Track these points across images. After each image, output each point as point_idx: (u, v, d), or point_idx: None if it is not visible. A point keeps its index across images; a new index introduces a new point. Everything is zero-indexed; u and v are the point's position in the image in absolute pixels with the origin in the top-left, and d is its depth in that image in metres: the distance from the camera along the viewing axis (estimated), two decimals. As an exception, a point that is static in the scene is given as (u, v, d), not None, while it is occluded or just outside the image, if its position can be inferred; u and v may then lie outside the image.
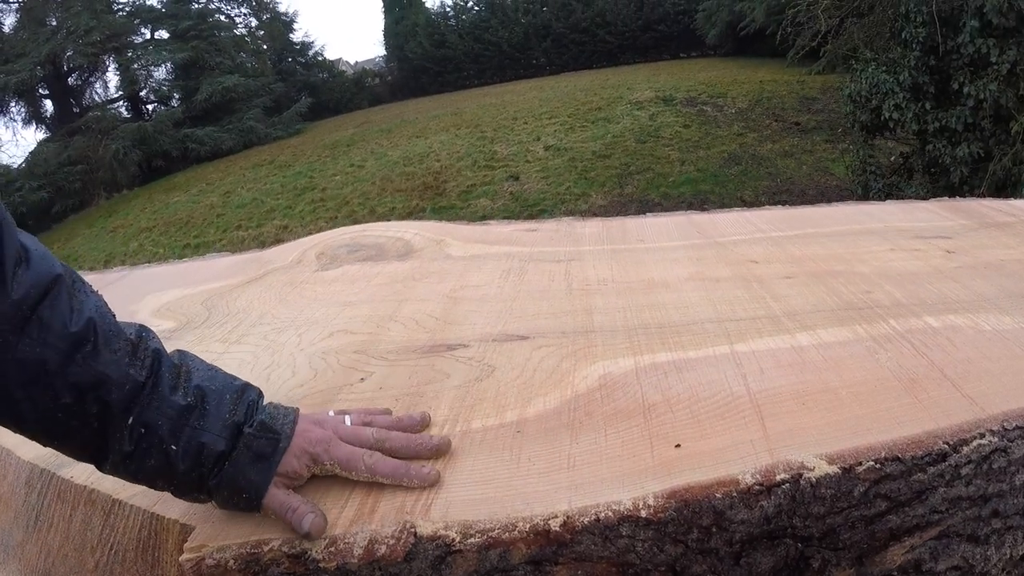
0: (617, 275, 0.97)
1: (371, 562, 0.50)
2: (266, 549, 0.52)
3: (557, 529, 0.50)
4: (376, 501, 0.55)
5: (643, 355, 0.73)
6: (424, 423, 0.64)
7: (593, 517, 0.50)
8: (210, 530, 0.55)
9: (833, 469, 0.54)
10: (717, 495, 0.52)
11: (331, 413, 0.63)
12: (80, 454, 0.55)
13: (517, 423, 0.63)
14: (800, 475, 0.54)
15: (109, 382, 0.52)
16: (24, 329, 0.49)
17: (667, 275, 0.96)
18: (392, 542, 0.50)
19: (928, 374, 0.66)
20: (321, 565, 0.50)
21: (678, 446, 0.57)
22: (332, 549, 0.51)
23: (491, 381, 0.71)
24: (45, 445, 0.54)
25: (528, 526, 0.50)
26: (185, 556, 0.53)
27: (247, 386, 0.59)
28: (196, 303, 1.04)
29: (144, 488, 0.60)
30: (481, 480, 0.56)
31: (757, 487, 0.53)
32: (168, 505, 0.59)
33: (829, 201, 1.36)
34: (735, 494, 0.52)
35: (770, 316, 0.81)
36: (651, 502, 0.51)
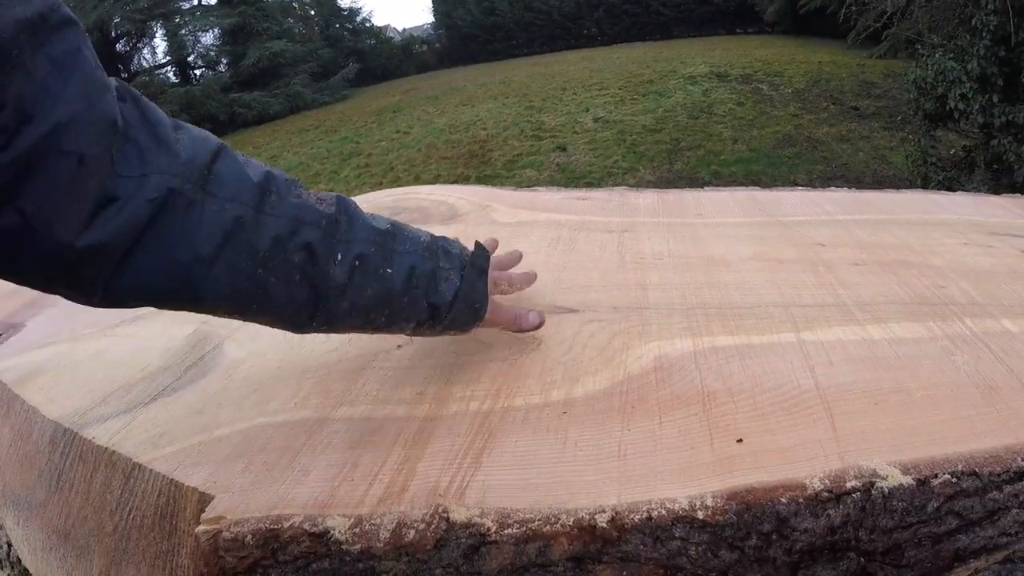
0: (674, 249, 0.91)
1: (398, 547, 0.46)
2: (286, 525, 0.48)
3: (604, 525, 0.45)
4: (407, 479, 0.51)
5: (702, 337, 0.67)
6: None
7: (645, 515, 0.45)
8: (229, 501, 0.52)
9: (907, 480, 0.48)
10: (782, 500, 0.46)
11: None
12: (281, 314, 0.53)
13: (564, 403, 0.58)
14: (872, 484, 0.48)
15: (305, 223, 0.51)
16: (206, 188, 0.47)
17: (728, 253, 0.89)
18: (422, 527, 0.46)
19: (1007, 382, 0.59)
20: (344, 547, 0.47)
21: (740, 441, 0.51)
22: (357, 530, 0.47)
23: (536, 355, 0.66)
24: (233, 316, 0.52)
25: (572, 519, 0.45)
26: (202, 528, 0.50)
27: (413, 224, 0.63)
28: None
29: (165, 453, 0.59)
30: (522, 463, 0.51)
31: (825, 494, 0.47)
32: (188, 472, 0.57)
33: (885, 190, 1.27)
34: (801, 500, 0.47)
35: (839, 304, 0.74)
36: (709, 502, 0.46)
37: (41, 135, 0.40)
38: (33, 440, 0.72)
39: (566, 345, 0.67)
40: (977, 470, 0.50)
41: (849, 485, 0.48)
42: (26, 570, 0.78)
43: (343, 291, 0.52)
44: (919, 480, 0.49)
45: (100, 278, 0.45)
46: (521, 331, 0.69)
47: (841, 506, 0.47)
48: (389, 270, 0.55)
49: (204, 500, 0.53)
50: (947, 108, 4.64)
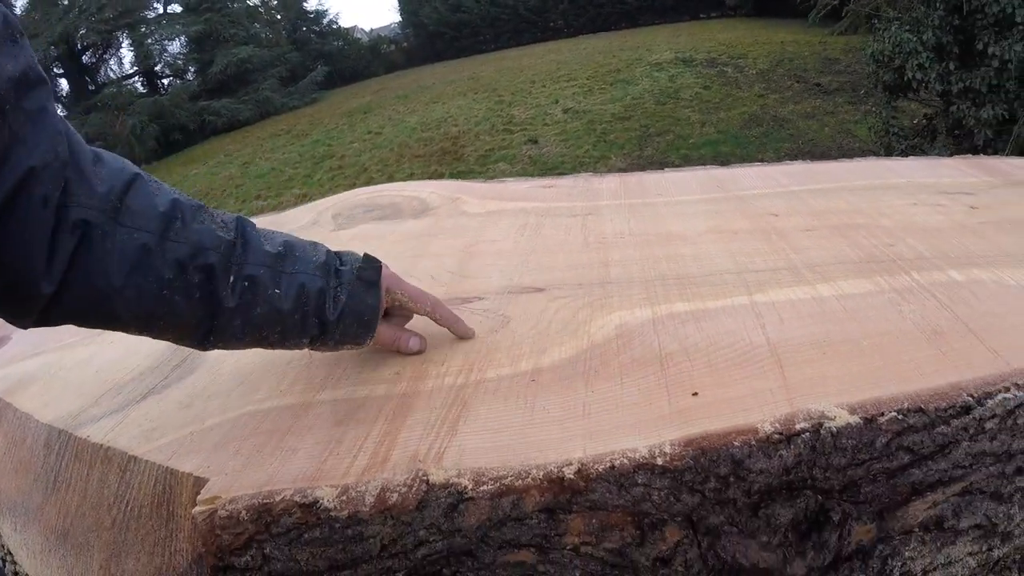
0: (635, 228, 0.95)
1: (383, 511, 0.49)
2: (277, 499, 0.51)
3: (571, 476, 0.49)
4: (389, 450, 0.54)
5: (660, 305, 0.71)
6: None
7: (608, 464, 0.49)
8: (223, 482, 0.55)
9: (855, 419, 0.52)
10: (735, 443, 0.50)
11: None
12: (183, 332, 0.57)
13: (532, 372, 0.62)
14: (821, 424, 0.52)
15: (205, 248, 0.55)
16: (118, 219, 0.52)
17: (685, 228, 0.93)
18: (404, 490, 0.50)
19: (952, 327, 0.64)
20: (332, 514, 0.50)
21: (695, 394, 0.56)
22: (344, 498, 0.51)
23: (506, 332, 0.70)
24: (142, 333, 0.56)
25: (541, 473, 0.49)
26: (198, 508, 0.52)
27: (314, 241, 0.65)
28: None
29: (158, 444, 0.62)
30: (494, 428, 0.55)
31: (776, 435, 0.51)
32: (182, 459, 0.59)
33: (847, 159, 1.32)
34: (753, 443, 0.51)
35: (790, 267, 0.78)
36: (667, 450, 0.50)
37: (16, 180, 0.46)
38: (27, 446, 0.74)
39: (533, 321, 0.71)
40: (923, 406, 0.54)
41: (799, 427, 0.52)
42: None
43: (235, 311, 0.57)
44: (866, 418, 0.53)
45: (39, 306, 0.51)
46: (399, 352, 0.69)
47: (792, 447, 0.51)
48: (278, 291, 0.58)
49: (199, 484, 0.56)
50: (905, 79, 4.71)
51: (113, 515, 0.64)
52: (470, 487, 0.49)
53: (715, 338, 0.64)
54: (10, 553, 0.88)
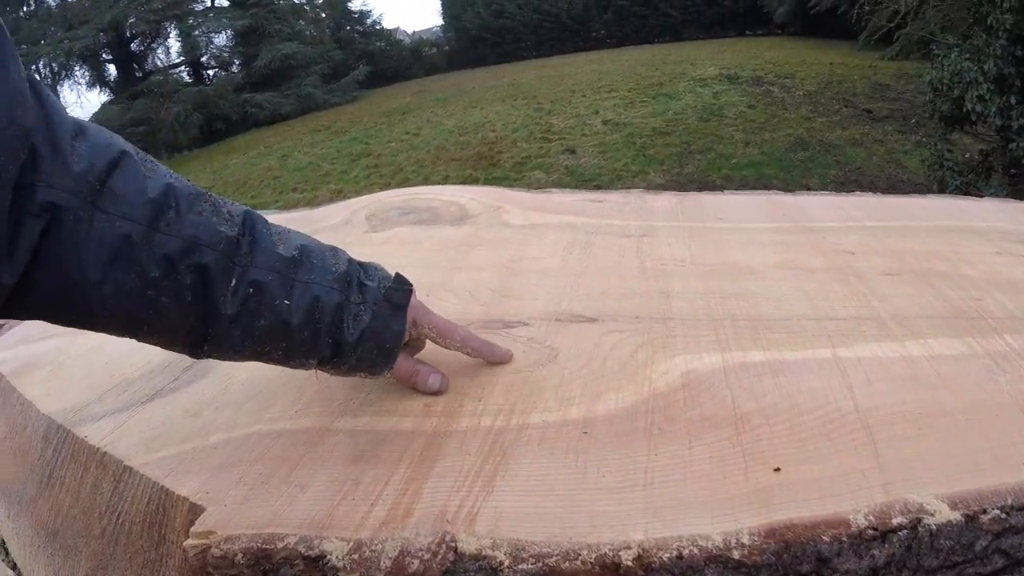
0: (696, 255, 0.87)
1: (401, 579, 0.42)
2: (279, 546, 0.45)
3: (629, 563, 0.40)
4: (413, 501, 0.47)
5: (732, 351, 0.62)
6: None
7: (675, 552, 0.40)
8: (220, 515, 0.48)
9: (955, 516, 0.44)
10: (824, 538, 0.42)
11: None
12: (171, 338, 0.50)
13: (584, 421, 0.54)
14: (919, 520, 0.43)
15: (201, 244, 0.47)
16: (96, 203, 0.44)
17: (752, 260, 0.84)
18: (427, 556, 0.42)
19: None
20: (341, 574, 0.43)
21: (778, 470, 0.47)
22: (356, 556, 0.43)
23: (554, 367, 0.62)
24: (124, 335, 0.49)
25: (594, 556, 0.41)
26: (190, 542, 0.46)
27: (334, 247, 0.58)
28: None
29: (157, 457, 0.56)
30: (539, 489, 0.47)
31: (871, 531, 0.42)
32: (179, 479, 0.54)
33: (918, 195, 1.23)
34: (845, 538, 0.42)
35: (874, 318, 0.69)
36: (745, 540, 0.41)
37: None
38: (27, 434, 0.70)
39: (585, 357, 0.63)
40: (1029, 504, 0.45)
41: (896, 522, 0.43)
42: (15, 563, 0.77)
43: (234, 319, 0.49)
44: (968, 516, 0.44)
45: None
46: (416, 390, 0.60)
47: (887, 545, 0.43)
48: (287, 301, 0.51)
49: (195, 511, 0.50)
50: (964, 110, 4.53)
51: (103, 524, 0.59)
52: (507, 563, 0.41)
53: (796, 398, 0.55)
54: (2, 540, 0.85)
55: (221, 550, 0.45)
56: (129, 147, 0.49)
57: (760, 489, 0.45)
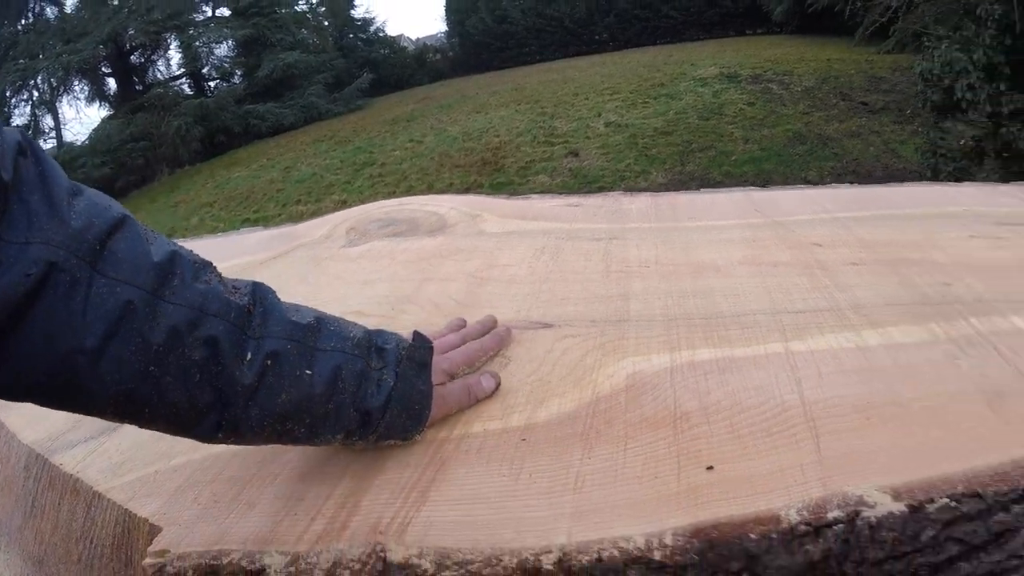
0: (662, 256, 0.86)
1: (332, 590, 0.42)
2: (225, 561, 0.46)
3: (550, 567, 0.40)
4: (350, 515, 0.47)
5: (681, 351, 0.62)
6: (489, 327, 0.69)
7: (595, 556, 0.40)
8: (175, 534, 0.50)
9: (899, 507, 0.43)
10: (752, 536, 0.41)
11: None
12: (179, 423, 0.45)
13: (524, 428, 0.54)
14: (857, 513, 0.43)
15: (210, 314, 0.44)
16: (96, 265, 0.41)
17: (718, 258, 0.84)
18: (357, 567, 0.43)
19: (1016, 387, 0.54)
20: (278, 587, 0.43)
21: (711, 468, 0.47)
22: (293, 568, 0.44)
23: (503, 375, 0.62)
24: (125, 420, 0.45)
25: (515, 561, 0.41)
26: (147, 560, 0.48)
27: (344, 318, 0.56)
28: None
29: (123, 481, 0.58)
30: (471, 497, 0.47)
31: (803, 527, 0.42)
32: (142, 502, 0.55)
33: (897, 183, 1.21)
34: (775, 535, 0.42)
35: (833, 309, 0.69)
36: (668, 541, 0.41)
37: None
38: (11, 464, 0.72)
39: (535, 363, 0.63)
40: (980, 490, 0.44)
41: (831, 516, 0.43)
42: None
43: (252, 395, 0.45)
44: (912, 506, 0.43)
45: None
46: (478, 401, 0.59)
47: (821, 540, 0.42)
48: (308, 371, 0.47)
49: (154, 531, 0.52)
50: (954, 99, 4.61)
51: (80, 550, 0.61)
52: (431, 571, 0.42)
53: (740, 395, 0.55)
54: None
55: (175, 567, 0.47)
56: (128, 212, 0.46)
57: (691, 489, 0.45)
